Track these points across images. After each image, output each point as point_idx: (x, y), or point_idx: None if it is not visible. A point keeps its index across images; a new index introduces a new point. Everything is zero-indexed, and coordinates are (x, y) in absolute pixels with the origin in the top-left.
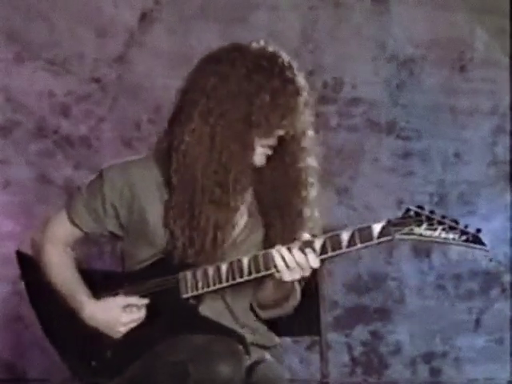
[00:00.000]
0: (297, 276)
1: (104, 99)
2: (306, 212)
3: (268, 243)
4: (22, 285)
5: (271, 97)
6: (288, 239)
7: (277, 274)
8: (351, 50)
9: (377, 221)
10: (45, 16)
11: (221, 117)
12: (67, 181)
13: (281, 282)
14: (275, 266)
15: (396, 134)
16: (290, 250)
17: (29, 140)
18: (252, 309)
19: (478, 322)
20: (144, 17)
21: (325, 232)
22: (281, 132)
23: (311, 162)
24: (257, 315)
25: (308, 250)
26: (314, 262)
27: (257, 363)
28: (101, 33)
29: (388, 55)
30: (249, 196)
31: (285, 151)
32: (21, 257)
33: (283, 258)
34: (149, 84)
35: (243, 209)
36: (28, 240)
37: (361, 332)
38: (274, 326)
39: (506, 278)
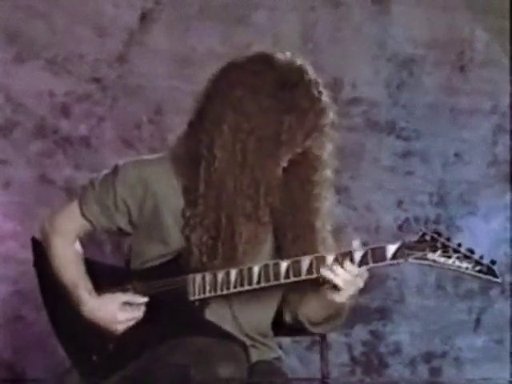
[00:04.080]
0: (348, 292)
1: (104, 99)
2: (318, 225)
3: (277, 253)
4: (23, 284)
5: (298, 115)
6: (298, 251)
7: (332, 296)
8: (351, 50)
9: (377, 221)
10: (45, 16)
11: (251, 133)
12: (67, 181)
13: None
14: (316, 271)
15: (396, 134)
16: (332, 270)
17: (29, 140)
18: (294, 324)
19: (477, 322)
20: (144, 17)
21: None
22: (303, 149)
23: (327, 174)
24: (305, 330)
25: (346, 262)
26: (354, 269)
27: (258, 363)
28: (101, 33)
29: (388, 55)
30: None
31: (301, 163)
32: (35, 244)
33: (330, 279)
34: (149, 84)
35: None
36: (28, 240)
37: (361, 332)
38: (275, 325)
39: (506, 278)
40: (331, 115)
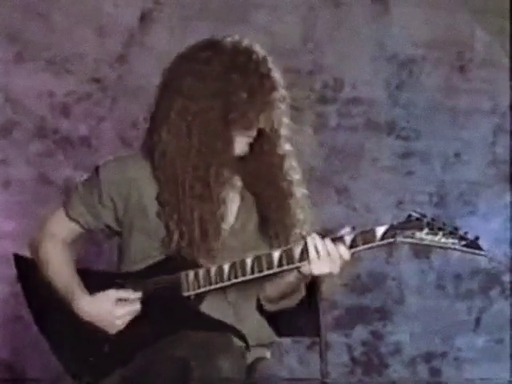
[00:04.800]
0: (326, 269)
1: (104, 99)
2: (297, 193)
3: (264, 226)
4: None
5: (248, 93)
6: (283, 221)
7: (305, 268)
8: (351, 50)
9: (376, 221)
10: (45, 16)
11: (197, 115)
12: (67, 181)
13: (290, 277)
14: (307, 254)
15: (396, 134)
16: (322, 238)
17: (29, 140)
18: (258, 304)
19: (477, 321)
20: (144, 17)
21: (324, 232)
22: (259, 125)
23: (289, 147)
24: (262, 309)
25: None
26: (345, 253)
27: (256, 361)
28: (101, 33)
29: (388, 55)
30: (238, 181)
31: (264, 139)
32: (18, 259)
33: (316, 247)
34: (149, 84)
35: (234, 195)
36: (29, 240)
37: (361, 332)
38: (274, 326)
39: (506, 278)
40: (282, 90)
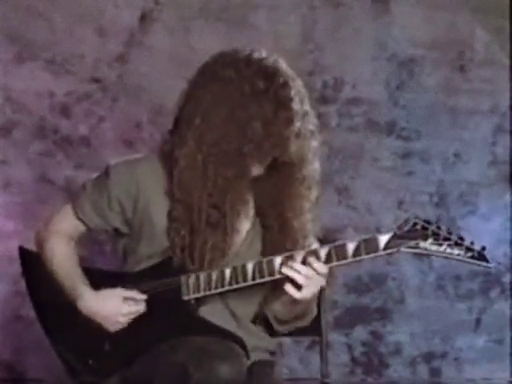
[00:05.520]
0: (310, 290)
1: (104, 99)
2: (302, 220)
3: (266, 246)
4: (23, 284)
5: (263, 125)
6: (285, 244)
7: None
8: (351, 50)
9: (377, 221)
10: (45, 16)
11: (213, 146)
12: (67, 181)
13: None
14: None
15: (396, 134)
16: (292, 267)
17: (29, 140)
18: (264, 321)
19: (478, 321)
20: (144, 17)
21: (326, 235)
22: (275, 155)
23: (311, 168)
24: (271, 328)
25: (312, 259)
26: (321, 268)
27: (256, 364)
28: (101, 33)
29: (388, 55)
30: (251, 208)
31: (280, 164)
32: (23, 252)
33: (291, 276)
34: (149, 84)
35: (245, 218)
36: (29, 239)
37: (361, 332)
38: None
39: (506, 278)
40: (298, 124)
